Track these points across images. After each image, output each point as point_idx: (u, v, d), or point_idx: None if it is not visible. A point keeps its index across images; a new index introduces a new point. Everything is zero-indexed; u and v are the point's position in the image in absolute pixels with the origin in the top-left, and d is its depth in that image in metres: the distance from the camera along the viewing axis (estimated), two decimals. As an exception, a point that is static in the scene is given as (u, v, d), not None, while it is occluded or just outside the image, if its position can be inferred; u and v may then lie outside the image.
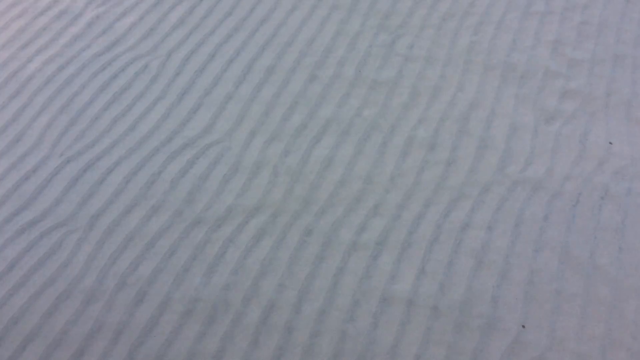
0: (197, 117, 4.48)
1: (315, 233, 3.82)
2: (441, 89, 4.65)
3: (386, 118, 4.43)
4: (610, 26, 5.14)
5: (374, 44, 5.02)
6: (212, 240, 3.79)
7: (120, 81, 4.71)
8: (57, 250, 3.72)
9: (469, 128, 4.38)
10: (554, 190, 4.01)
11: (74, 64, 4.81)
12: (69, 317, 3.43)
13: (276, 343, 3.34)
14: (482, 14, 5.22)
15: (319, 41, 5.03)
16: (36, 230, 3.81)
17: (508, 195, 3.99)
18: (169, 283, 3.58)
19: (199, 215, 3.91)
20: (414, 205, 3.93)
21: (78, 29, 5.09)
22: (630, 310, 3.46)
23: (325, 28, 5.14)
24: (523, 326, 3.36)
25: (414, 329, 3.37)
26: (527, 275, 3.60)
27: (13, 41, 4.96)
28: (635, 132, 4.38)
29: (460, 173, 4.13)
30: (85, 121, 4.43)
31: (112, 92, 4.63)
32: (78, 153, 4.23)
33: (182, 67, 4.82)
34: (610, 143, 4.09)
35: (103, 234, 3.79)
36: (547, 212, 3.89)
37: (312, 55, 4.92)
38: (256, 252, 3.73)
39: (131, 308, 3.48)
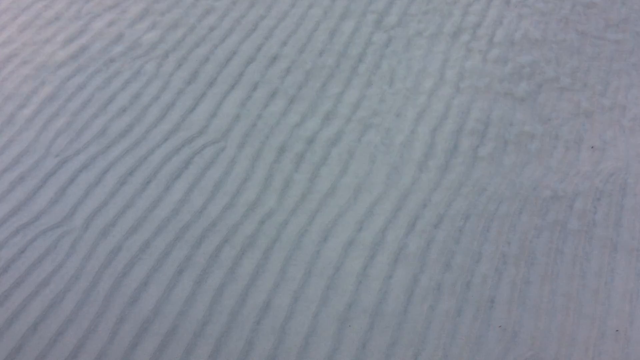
0: (193, 117, 4.47)
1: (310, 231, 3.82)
2: (438, 90, 4.65)
3: (383, 117, 4.42)
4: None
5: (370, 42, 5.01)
6: (207, 241, 3.78)
7: (116, 82, 4.70)
8: (52, 251, 3.71)
9: (465, 130, 4.37)
10: (549, 191, 3.99)
11: (69, 66, 4.80)
12: (65, 318, 3.43)
13: (271, 344, 3.34)
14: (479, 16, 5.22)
15: (314, 41, 5.02)
16: (31, 231, 3.80)
17: (505, 195, 3.98)
18: (164, 284, 3.57)
19: (194, 215, 3.90)
20: (411, 205, 3.91)
21: (72, 33, 5.09)
22: (625, 310, 3.45)
23: (320, 28, 5.12)
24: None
25: (410, 329, 3.36)
26: (523, 275, 3.59)
27: (8, 44, 4.97)
28: (629, 134, 4.36)
29: (456, 175, 4.11)
30: (81, 122, 4.42)
31: (108, 93, 4.63)
32: (74, 154, 4.22)
33: (177, 68, 4.82)
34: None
35: (98, 235, 3.79)
36: (543, 214, 3.87)
37: (307, 54, 4.91)
38: (251, 252, 3.72)
39: (126, 309, 3.47)
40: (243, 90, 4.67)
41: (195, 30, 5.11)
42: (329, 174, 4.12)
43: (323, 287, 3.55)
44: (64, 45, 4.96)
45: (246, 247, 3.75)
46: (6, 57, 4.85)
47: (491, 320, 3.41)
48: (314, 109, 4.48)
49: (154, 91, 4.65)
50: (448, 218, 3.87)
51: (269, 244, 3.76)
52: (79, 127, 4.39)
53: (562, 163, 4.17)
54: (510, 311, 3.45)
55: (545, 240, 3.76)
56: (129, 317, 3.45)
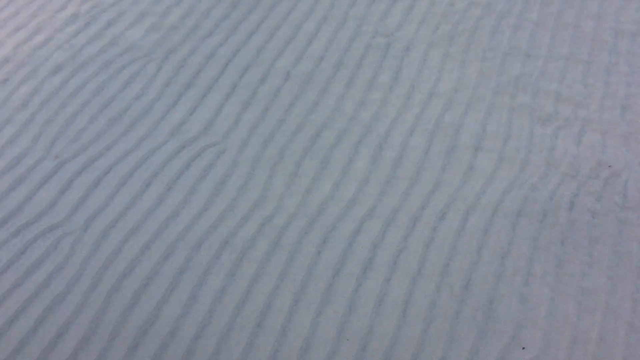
0: (194, 119, 4.48)
1: (311, 234, 3.83)
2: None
3: (382, 121, 4.44)
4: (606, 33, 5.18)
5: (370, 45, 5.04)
6: (207, 243, 3.78)
7: (117, 83, 4.70)
8: (52, 253, 3.70)
9: (464, 131, 4.40)
10: (549, 193, 4.02)
11: (70, 66, 4.80)
12: (65, 319, 3.41)
13: (272, 346, 3.34)
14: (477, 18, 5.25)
15: (315, 44, 5.04)
16: (31, 233, 3.79)
17: (503, 198, 4.00)
18: (164, 285, 3.57)
19: (194, 217, 3.90)
20: (411, 207, 3.93)
21: (73, 32, 5.08)
22: (627, 311, 3.47)
23: (321, 32, 5.15)
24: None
25: (409, 331, 3.38)
26: (524, 277, 3.61)
27: (8, 43, 4.95)
28: (628, 135, 4.40)
29: (455, 175, 4.13)
30: (81, 123, 4.42)
31: (108, 94, 4.62)
32: (73, 155, 4.21)
33: (178, 69, 4.82)
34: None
35: (98, 237, 3.78)
36: (543, 215, 3.90)
37: (308, 57, 4.93)
38: (252, 254, 3.72)
39: (127, 310, 3.46)
40: (242, 95, 4.68)
41: (194, 33, 5.12)
42: (327, 181, 4.14)
43: (323, 289, 3.56)
44: (62, 47, 4.95)
45: (247, 249, 3.76)
46: (3, 60, 4.83)
47: (491, 322, 3.43)
48: (310, 119, 4.51)
49: (153, 93, 4.65)
50: (445, 221, 3.90)
51: (269, 246, 3.77)
52: (78, 129, 4.38)
53: (561, 166, 4.22)
54: (510, 313, 3.47)
55: (544, 243, 3.79)
56: (130, 318, 3.44)
